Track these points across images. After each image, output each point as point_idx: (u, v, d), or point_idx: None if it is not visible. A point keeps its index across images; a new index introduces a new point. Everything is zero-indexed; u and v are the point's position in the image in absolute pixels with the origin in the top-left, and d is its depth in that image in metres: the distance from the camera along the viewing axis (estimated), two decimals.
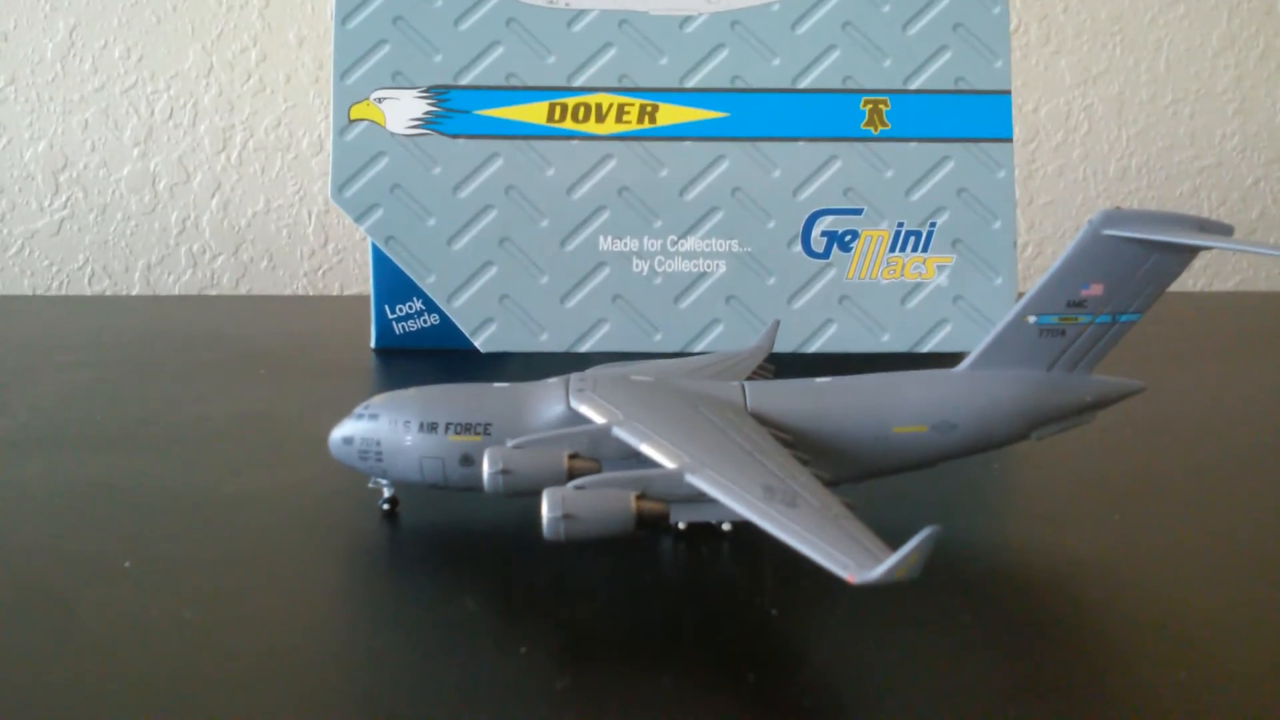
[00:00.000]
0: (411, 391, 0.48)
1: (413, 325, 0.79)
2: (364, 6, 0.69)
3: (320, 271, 1.27)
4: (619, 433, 0.43)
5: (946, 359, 0.74)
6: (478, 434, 0.46)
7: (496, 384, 0.48)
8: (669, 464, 0.41)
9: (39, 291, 1.24)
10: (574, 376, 0.47)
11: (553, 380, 0.47)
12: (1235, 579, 0.44)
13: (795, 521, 0.36)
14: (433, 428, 0.46)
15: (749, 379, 0.52)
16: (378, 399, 0.47)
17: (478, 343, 0.67)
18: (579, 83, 0.69)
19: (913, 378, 0.48)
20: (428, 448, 0.46)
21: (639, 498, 0.40)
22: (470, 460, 0.45)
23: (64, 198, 1.22)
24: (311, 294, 1.27)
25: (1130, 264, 0.46)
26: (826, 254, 0.69)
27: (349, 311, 0.91)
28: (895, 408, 0.47)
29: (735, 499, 0.38)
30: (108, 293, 1.24)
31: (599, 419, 0.44)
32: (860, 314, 0.69)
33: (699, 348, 0.68)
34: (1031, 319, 0.47)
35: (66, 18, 1.20)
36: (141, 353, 0.81)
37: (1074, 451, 0.54)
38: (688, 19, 0.70)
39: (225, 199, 1.24)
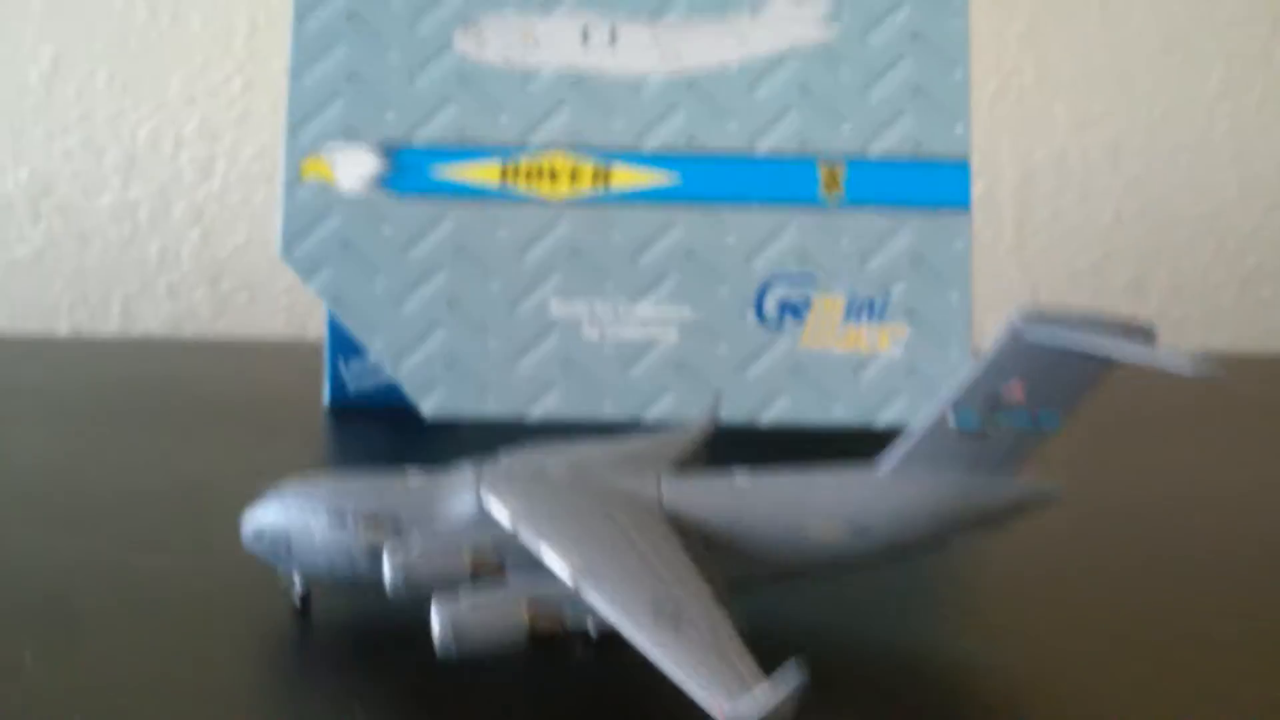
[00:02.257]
0: (321, 478, 0.47)
1: (366, 384, 0.78)
2: (318, 61, 0.68)
3: (300, 305, 1.26)
4: (519, 533, 0.42)
5: (899, 433, 0.73)
6: (385, 526, 0.45)
7: (410, 471, 0.47)
8: (562, 571, 0.40)
9: (16, 320, 1.24)
10: (488, 467, 0.46)
11: (467, 470, 0.46)
12: (1160, 689, 0.42)
13: (676, 646, 0.35)
14: (341, 520, 0.45)
15: (673, 466, 0.51)
16: (287, 483, 0.46)
17: (424, 408, 0.66)
18: (532, 143, 0.68)
19: (831, 478, 0.47)
20: (336, 541, 0.45)
21: (531, 611, 0.39)
22: (378, 554, 0.44)
23: (44, 226, 1.22)
24: (289, 330, 1.27)
25: (1052, 364, 0.44)
26: (780, 323, 0.68)
27: (311, 362, 0.89)
28: (811, 509, 0.45)
29: (619, 614, 0.37)
30: (85, 322, 1.24)
31: (502, 516, 0.43)
32: (813, 385, 0.67)
33: (649, 416, 0.67)
34: (952, 421, 0.45)
35: (51, 44, 1.20)
36: (88, 407, 0.80)
37: (994, 553, 0.52)
38: (644, 80, 0.69)
39: (206, 230, 1.24)
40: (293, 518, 0.46)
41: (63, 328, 1.24)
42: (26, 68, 1.21)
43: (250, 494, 0.58)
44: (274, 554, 0.46)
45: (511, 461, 0.47)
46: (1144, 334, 0.43)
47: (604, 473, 0.47)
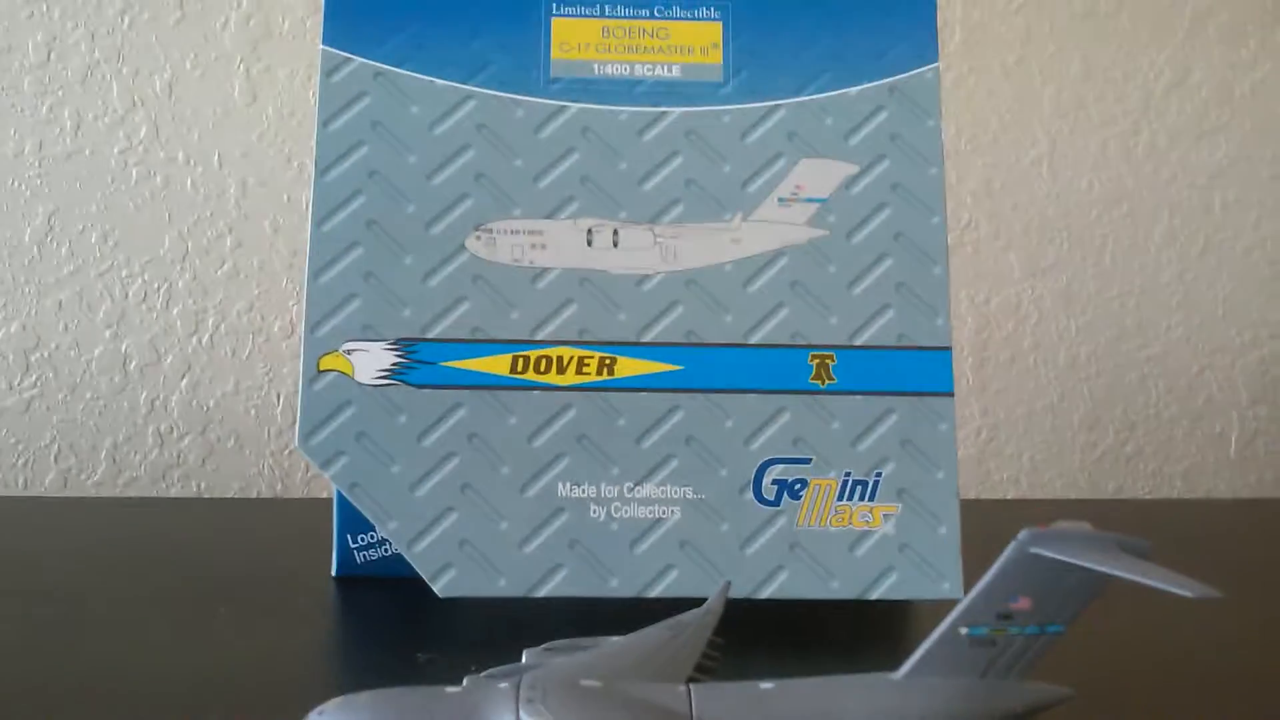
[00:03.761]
0: (364, 697, 0.49)
1: (374, 555, 0.80)
2: (336, 262, 0.72)
3: (286, 451, 1.28)
4: None
5: (893, 606, 0.76)
6: None
7: (448, 688, 0.50)
8: None
9: (3, 469, 1.24)
10: (525, 681, 0.49)
11: (503, 685, 0.49)
12: None
13: None
14: None
15: (699, 666, 0.54)
16: (330, 704, 0.49)
17: (436, 588, 0.69)
18: (541, 336, 0.72)
19: (853, 684, 0.50)
20: None
21: None
22: None
23: (34, 377, 1.24)
24: (277, 479, 1.28)
25: (1056, 579, 0.49)
26: (777, 502, 0.72)
27: (309, 522, 0.91)
28: (836, 718, 0.49)
29: None
30: (73, 468, 1.25)
31: None
32: (810, 561, 0.71)
33: (654, 593, 0.70)
34: (963, 630, 0.49)
35: (46, 204, 1.24)
36: (89, 580, 0.80)
37: None
38: (645, 277, 0.74)
39: (195, 380, 1.26)
40: None
41: (50, 474, 1.25)
42: (20, 226, 1.24)
43: (275, 694, 0.60)
44: None
45: (545, 674, 0.50)
46: (1140, 550, 0.48)
47: (635, 684, 0.50)
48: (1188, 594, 0.43)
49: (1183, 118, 1.38)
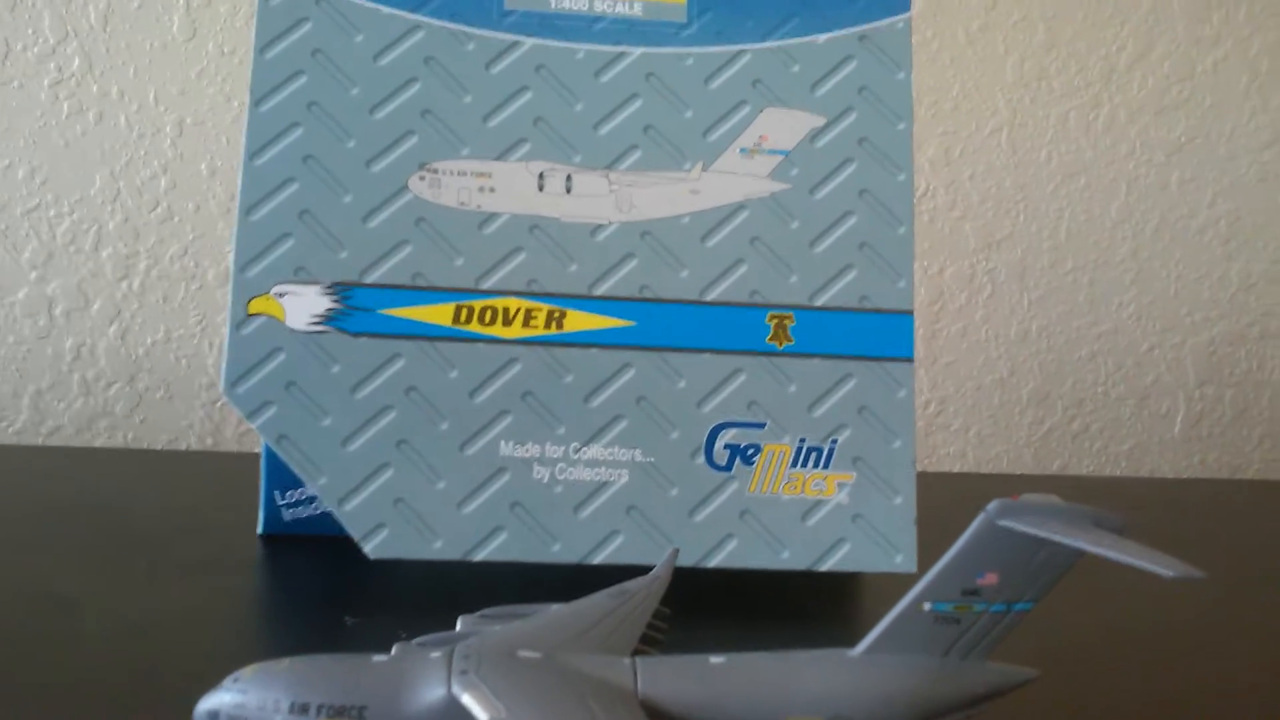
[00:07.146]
0: (285, 664, 0.45)
1: (302, 512, 0.76)
2: (270, 198, 0.68)
3: (218, 404, 1.23)
4: None
5: (844, 579, 0.74)
6: (352, 718, 0.44)
7: (375, 656, 0.46)
8: None
9: None
10: (458, 651, 0.46)
11: (435, 655, 0.46)
12: None
13: None
14: (304, 709, 0.44)
15: (644, 638, 0.51)
16: (248, 671, 0.45)
17: (368, 549, 0.65)
18: (487, 286, 0.69)
19: (808, 661, 0.47)
20: None
21: None
22: None
23: None
24: (208, 432, 1.23)
25: (1025, 554, 0.46)
26: (729, 467, 0.69)
27: (237, 477, 0.87)
28: (790, 695, 0.46)
29: None
30: None
31: (479, 713, 0.42)
32: (761, 529, 0.68)
33: (598, 559, 0.67)
34: (927, 606, 0.47)
35: None
36: (9, 530, 0.77)
37: None
38: (599, 227, 0.70)
39: (124, 327, 1.21)
40: (252, 702, 0.44)
41: None
42: None
43: (189, 649, 0.57)
44: None
45: (480, 643, 0.47)
46: (1114, 526, 0.45)
47: (576, 656, 0.47)
48: (1168, 574, 0.41)
49: (1144, 92, 1.37)
